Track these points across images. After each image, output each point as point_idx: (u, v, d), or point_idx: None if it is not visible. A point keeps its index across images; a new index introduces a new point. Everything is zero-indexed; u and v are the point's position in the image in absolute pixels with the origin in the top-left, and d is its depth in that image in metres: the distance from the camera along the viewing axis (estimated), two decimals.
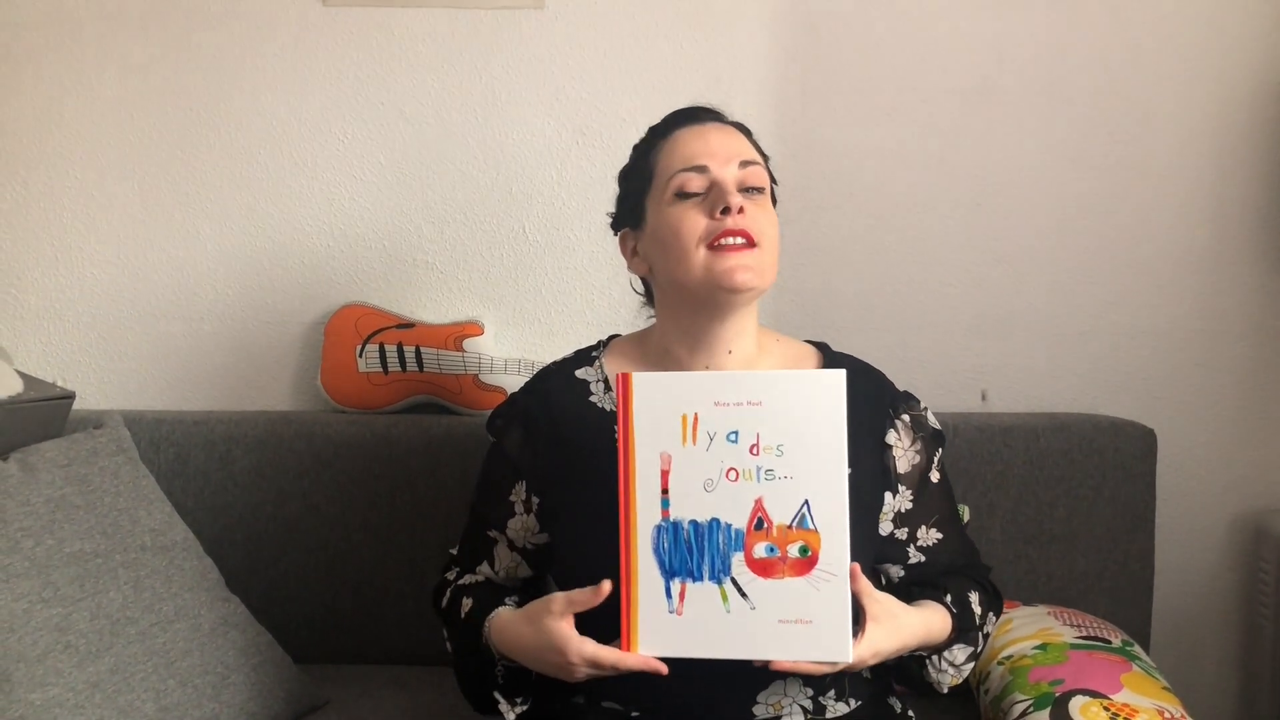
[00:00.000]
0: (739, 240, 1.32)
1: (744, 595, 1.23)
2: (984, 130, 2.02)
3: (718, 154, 1.36)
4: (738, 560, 1.23)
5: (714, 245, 1.32)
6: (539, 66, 2.01)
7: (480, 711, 1.45)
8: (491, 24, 2.01)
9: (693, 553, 1.24)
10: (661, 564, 1.24)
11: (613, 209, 1.50)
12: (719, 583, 1.23)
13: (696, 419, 1.25)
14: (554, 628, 1.25)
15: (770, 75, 2.01)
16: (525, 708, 1.37)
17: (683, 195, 1.35)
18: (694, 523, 1.24)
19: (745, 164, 1.36)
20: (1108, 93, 2.00)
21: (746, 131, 1.44)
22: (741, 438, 1.24)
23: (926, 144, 2.02)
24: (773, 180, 1.44)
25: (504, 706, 1.37)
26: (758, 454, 1.24)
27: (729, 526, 1.24)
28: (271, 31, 2.01)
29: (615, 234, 1.49)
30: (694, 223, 1.33)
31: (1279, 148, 1.99)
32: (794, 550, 1.22)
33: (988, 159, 2.02)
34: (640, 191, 1.41)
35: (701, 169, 1.35)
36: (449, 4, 2.00)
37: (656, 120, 1.47)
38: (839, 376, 1.25)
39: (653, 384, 1.27)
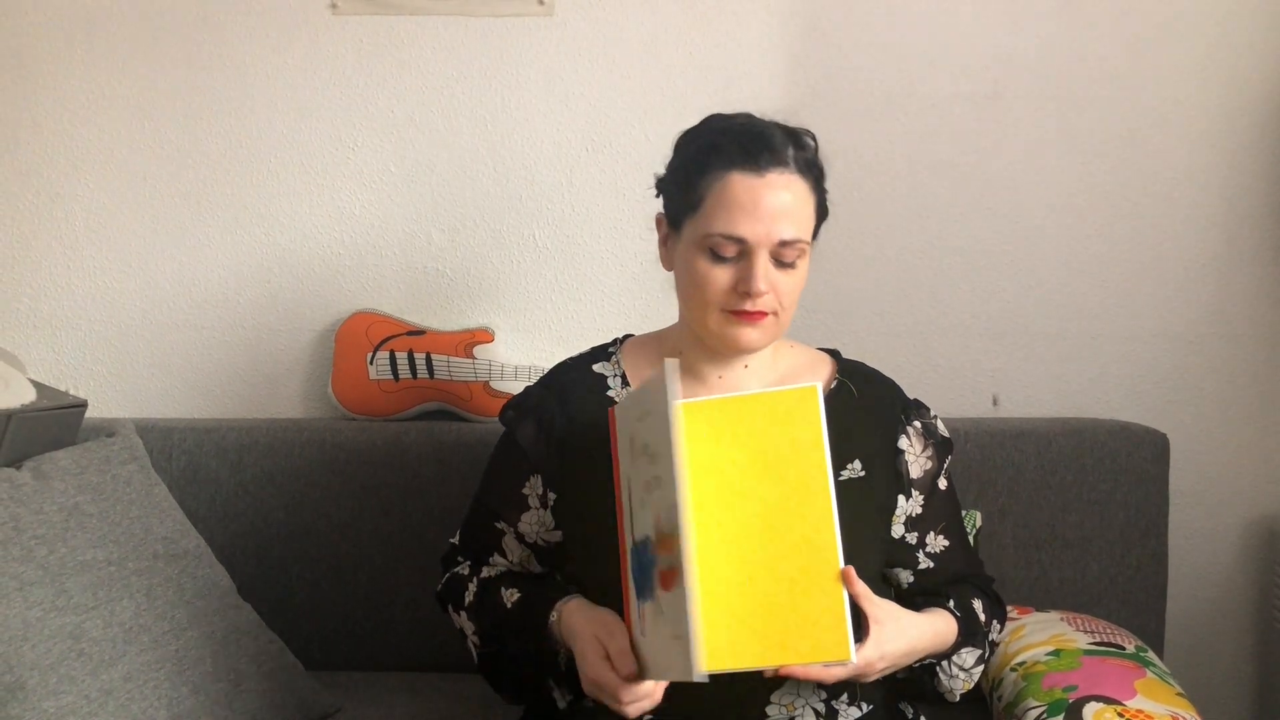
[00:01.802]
0: (754, 313, 1.32)
1: None
2: (995, 136, 2.01)
3: (762, 222, 1.29)
4: None
5: (729, 311, 1.32)
6: (548, 74, 2.02)
7: (513, 700, 1.45)
8: (500, 32, 2.01)
9: None
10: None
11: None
12: None
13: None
14: (602, 664, 1.24)
15: (779, 81, 2.01)
16: (571, 697, 1.37)
17: (714, 251, 1.32)
18: None
19: (785, 243, 1.31)
20: (1118, 98, 2.00)
21: (809, 166, 1.34)
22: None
23: (937, 150, 2.02)
24: (824, 214, 1.38)
25: (558, 693, 1.37)
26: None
27: None
28: (281, 40, 2.02)
29: (657, 195, 1.43)
30: (717, 285, 1.31)
31: None
32: None
33: (998, 164, 2.02)
34: (682, 208, 1.36)
35: (739, 240, 1.30)
36: (458, 12, 2.01)
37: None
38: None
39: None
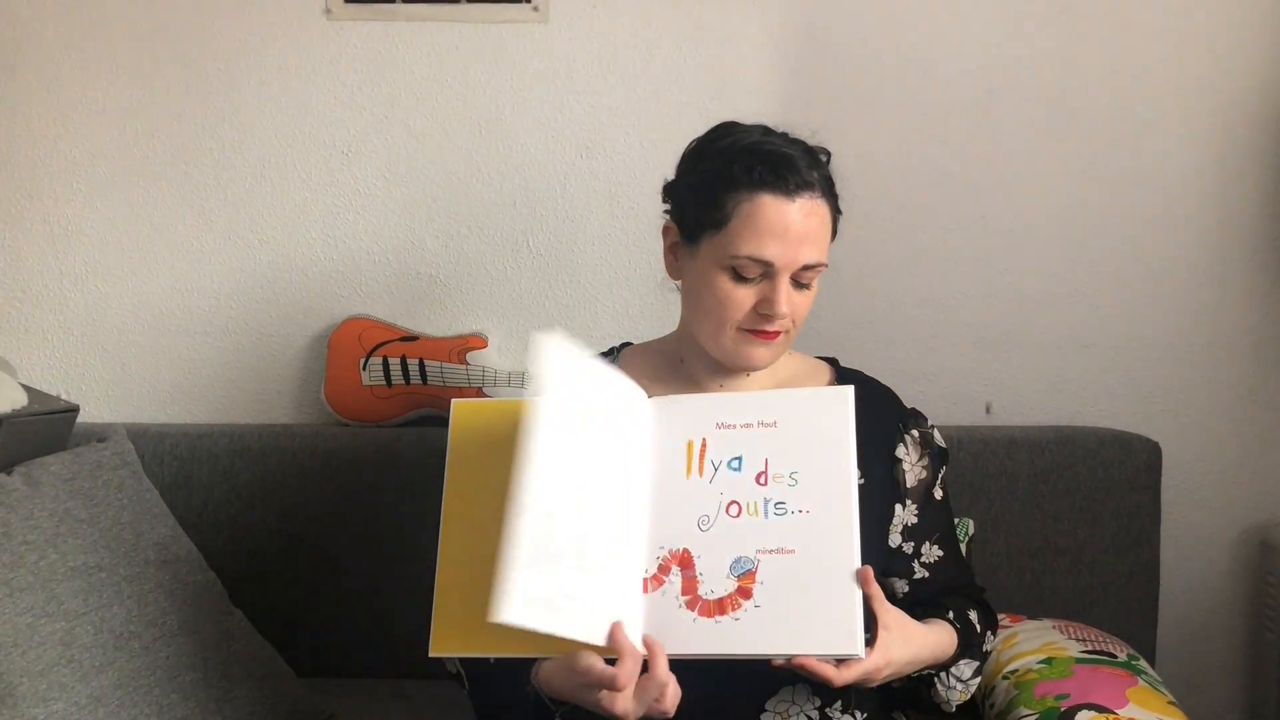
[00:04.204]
0: (770, 332, 1.33)
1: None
2: (988, 143, 2.02)
3: (789, 246, 1.29)
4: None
5: (746, 330, 1.33)
6: (542, 80, 2.02)
7: None
8: (495, 38, 2.01)
9: None
10: None
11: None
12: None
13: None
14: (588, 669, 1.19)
15: (774, 88, 2.01)
16: None
17: (738, 274, 1.32)
18: None
19: (809, 267, 1.32)
20: (1112, 105, 2.01)
21: (829, 185, 1.35)
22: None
23: (931, 157, 2.02)
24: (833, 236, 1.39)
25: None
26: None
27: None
28: (275, 46, 2.02)
29: (664, 202, 1.42)
30: (738, 305, 1.32)
31: None
32: None
33: (992, 172, 2.02)
34: (702, 223, 1.34)
35: (765, 264, 1.30)
36: (453, 18, 2.01)
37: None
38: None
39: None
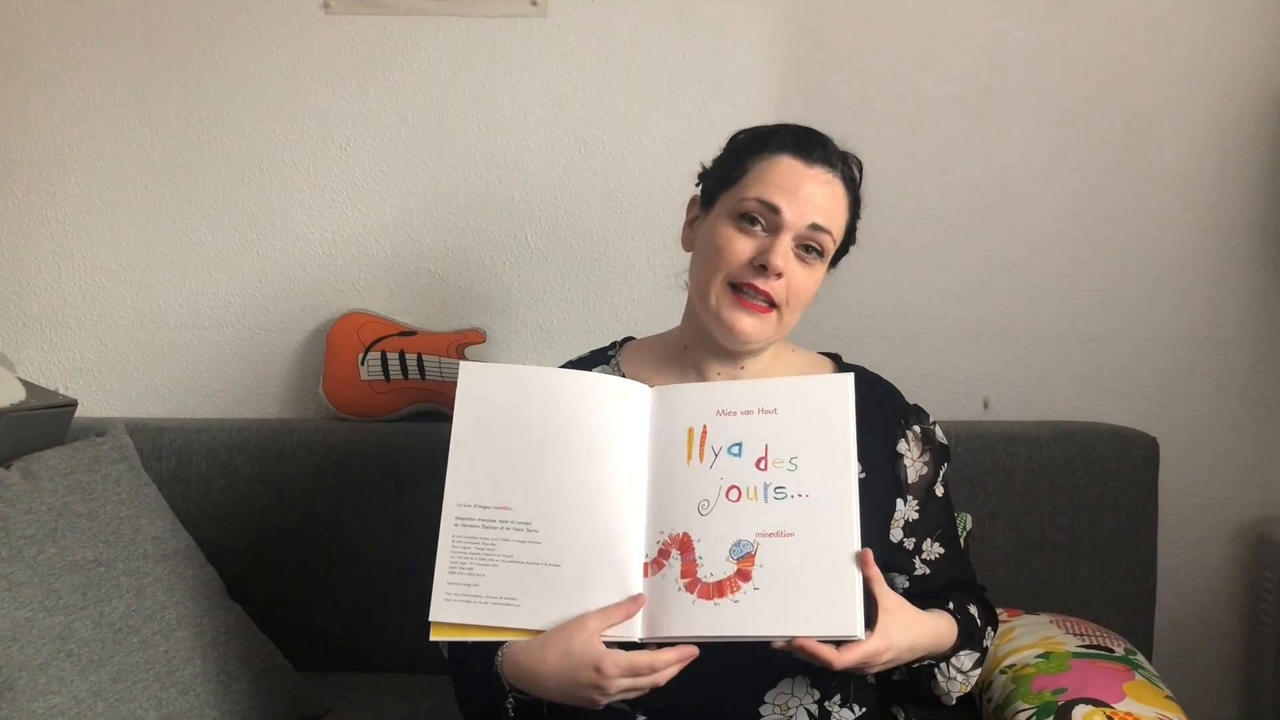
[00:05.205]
0: (760, 300, 1.34)
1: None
2: (986, 138, 2.02)
3: (797, 203, 1.33)
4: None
5: (737, 286, 1.34)
6: (541, 75, 2.02)
7: None
8: (494, 32, 2.01)
9: None
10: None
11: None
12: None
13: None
14: (589, 644, 1.21)
15: (771, 84, 2.01)
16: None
17: (745, 218, 1.34)
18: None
19: (816, 227, 1.34)
20: (1109, 101, 2.01)
21: (852, 184, 1.41)
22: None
23: (928, 152, 2.02)
24: (851, 240, 1.43)
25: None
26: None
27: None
28: (273, 40, 2.01)
29: (698, 185, 1.46)
30: (736, 251, 1.33)
31: None
32: None
33: (989, 167, 2.02)
34: (721, 184, 1.39)
35: (773, 210, 1.33)
36: (451, 12, 2.00)
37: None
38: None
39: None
